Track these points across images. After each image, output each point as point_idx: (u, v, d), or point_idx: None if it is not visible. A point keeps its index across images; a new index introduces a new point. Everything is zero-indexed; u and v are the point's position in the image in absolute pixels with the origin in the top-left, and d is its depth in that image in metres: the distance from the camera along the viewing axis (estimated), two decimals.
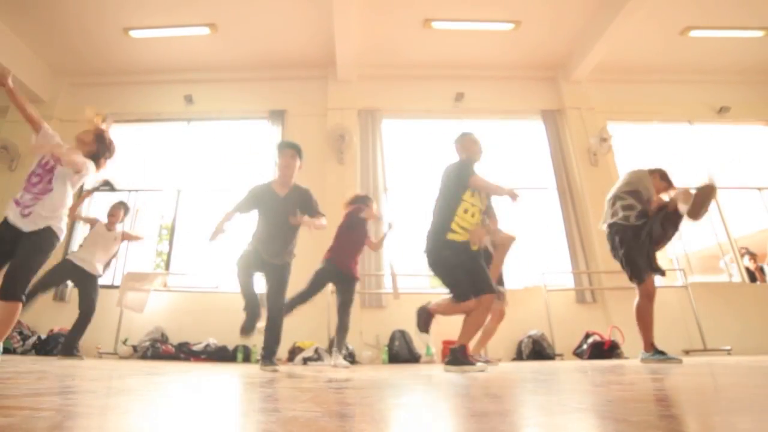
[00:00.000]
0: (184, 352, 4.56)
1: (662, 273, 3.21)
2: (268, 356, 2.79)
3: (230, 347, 4.65)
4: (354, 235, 3.66)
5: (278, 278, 2.89)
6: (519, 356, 4.69)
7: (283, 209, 2.91)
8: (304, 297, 3.45)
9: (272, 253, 2.88)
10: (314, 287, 3.48)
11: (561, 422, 0.70)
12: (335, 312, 3.56)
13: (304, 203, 2.98)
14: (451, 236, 2.67)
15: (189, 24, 5.39)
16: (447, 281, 2.68)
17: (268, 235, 2.91)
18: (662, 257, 5.99)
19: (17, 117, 5.87)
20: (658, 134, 6.16)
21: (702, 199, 2.78)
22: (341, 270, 3.52)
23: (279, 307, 2.87)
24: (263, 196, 2.98)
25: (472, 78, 6.15)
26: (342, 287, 3.54)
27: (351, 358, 4.35)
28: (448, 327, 4.68)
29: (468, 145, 3.01)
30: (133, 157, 6.08)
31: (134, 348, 4.61)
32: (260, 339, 4.74)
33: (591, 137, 5.64)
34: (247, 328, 2.81)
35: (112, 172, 2.85)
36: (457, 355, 2.48)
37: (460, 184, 2.78)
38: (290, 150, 3.01)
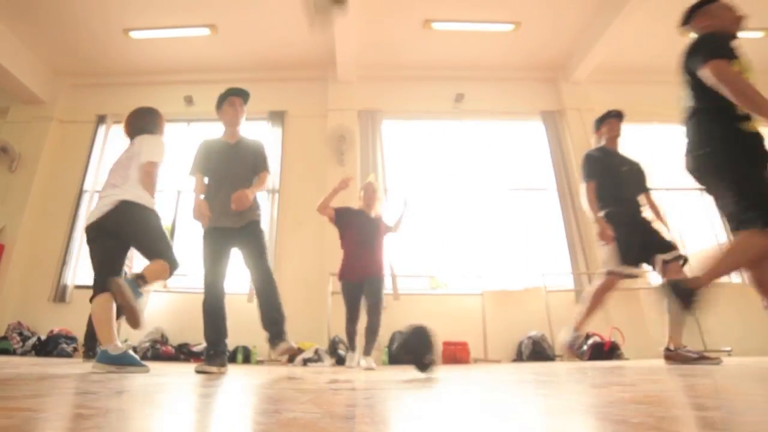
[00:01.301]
0: (184, 353, 4.56)
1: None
2: (278, 335, 2.41)
3: (231, 348, 4.65)
4: (356, 233, 3.42)
5: (253, 244, 2.52)
6: (519, 357, 4.69)
7: (234, 156, 2.66)
8: (350, 320, 3.34)
9: (231, 214, 2.50)
10: (350, 306, 3.35)
11: (561, 423, 0.70)
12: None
13: (255, 155, 2.71)
14: (742, 123, 1.80)
15: (189, 25, 5.40)
16: (736, 190, 1.83)
17: (219, 193, 2.56)
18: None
19: (17, 118, 5.93)
20: (658, 135, 6.15)
21: None
22: (359, 282, 3.35)
23: (269, 276, 2.48)
24: (214, 146, 2.73)
25: (472, 79, 6.15)
26: (368, 290, 3.34)
27: None
28: (449, 327, 4.70)
29: (718, 13, 2.13)
30: None
31: (134, 349, 4.61)
32: (259, 340, 4.75)
33: (591, 138, 5.64)
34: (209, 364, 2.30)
35: None
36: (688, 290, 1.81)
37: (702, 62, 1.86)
38: (237, 98, 2.85)
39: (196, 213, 2.48)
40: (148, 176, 2.41)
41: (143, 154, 2.45)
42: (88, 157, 5.79)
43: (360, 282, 3.35)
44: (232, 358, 4.60)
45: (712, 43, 1.92)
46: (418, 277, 5.25)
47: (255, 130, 6.11)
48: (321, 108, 5.93)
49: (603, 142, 3.36)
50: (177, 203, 5.71)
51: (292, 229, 5.36)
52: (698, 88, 2.00)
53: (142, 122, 2.63)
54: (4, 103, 5.97)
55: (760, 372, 1.87)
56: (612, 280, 2.90)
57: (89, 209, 5.33)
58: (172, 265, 2.30)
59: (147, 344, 4.56)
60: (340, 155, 5.54)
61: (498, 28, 5.50)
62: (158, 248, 2.30)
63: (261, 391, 1.31)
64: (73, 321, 4.06)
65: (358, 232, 3.41)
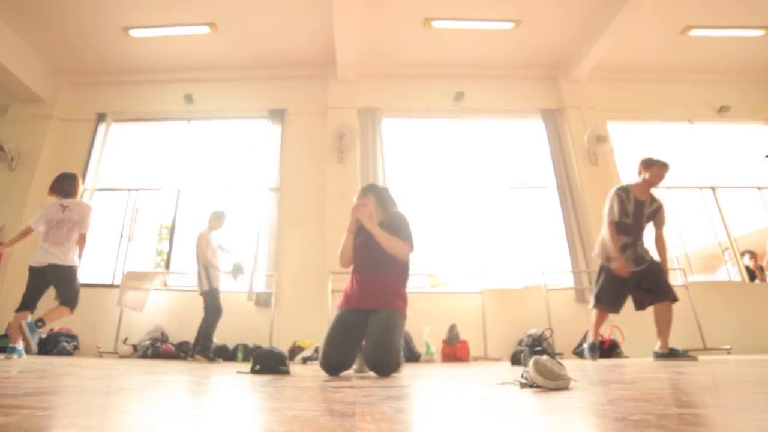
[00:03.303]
0: (185, 352, 4.57)
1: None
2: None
3: (230, 346, 4.65)
4: (361, 252, 2.40)
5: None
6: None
7: None
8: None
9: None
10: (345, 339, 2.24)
11: (561, 421, 0.70)
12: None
13: None
14: None
15: (189, 23, 5.38)
16: None
17: None
18: None
19: (16, 116, 5.92)
20: (658, 133, 6.15)
21: None
22: (364, 310, 2.28)
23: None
24: None
25: (473, 77, 6.14)
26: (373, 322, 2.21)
27: None
28: (449, 325, 4.70)
29: None
30: (133, 156, 6.09)
31: (134, 347, 4.61)
32: (259, 339, 4.72)
33: (586, 136, 5.62)
34: None
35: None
36: None
37: None
38: None
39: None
40: (83, 241, 3.40)
41: (84, 226, 3.38)
42: (88, 155, 5.79)
43: (363, 308, 2.29)
44: (233, 357, 4.60)
45: None
46: (418, 275, 5.25)
47: (255, 128, 6.12)
48: (321, 106, 5.92)
49: None
50: (177, 202, 5.70)
51: (293, 227, 5.36)
52: None
53: (67, 186, 3.49)
54: (3, 101, 5.96)
55: (760, 370, 1.87)
56: None
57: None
58: (73, 309, 3.34)
59: (147, 342, 4.56)
60: (340, 153, 5.53)
61: (498, 26, 5.48)
62: (70, 297, 3.30)
63: (261, 389, 1.32)
64: (73, 320, 4.04)
65: (363, 248, 2.40)
